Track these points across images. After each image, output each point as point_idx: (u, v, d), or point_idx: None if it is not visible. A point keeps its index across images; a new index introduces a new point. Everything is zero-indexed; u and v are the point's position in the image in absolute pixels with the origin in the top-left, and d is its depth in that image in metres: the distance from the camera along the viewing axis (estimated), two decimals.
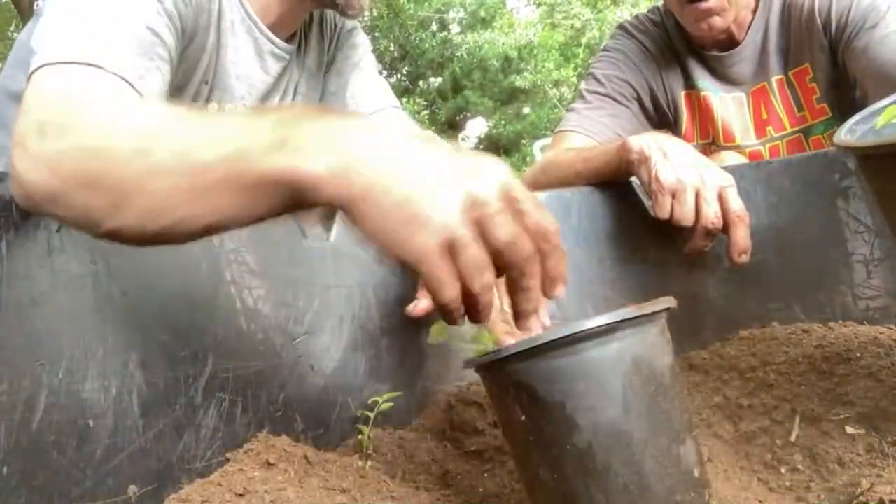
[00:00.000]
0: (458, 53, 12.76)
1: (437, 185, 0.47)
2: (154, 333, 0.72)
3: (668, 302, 0.61)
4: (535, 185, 1.31)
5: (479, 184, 0.48)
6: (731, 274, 1.06)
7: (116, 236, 0.56)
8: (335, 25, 1.15)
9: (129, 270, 0.71)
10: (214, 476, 0.71)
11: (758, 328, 1.02)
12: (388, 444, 0.84)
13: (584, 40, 12.03)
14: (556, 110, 12.31)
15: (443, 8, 12.98)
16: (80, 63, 0.66)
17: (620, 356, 0.57)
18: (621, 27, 1.58)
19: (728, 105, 1.46)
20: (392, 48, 13.10)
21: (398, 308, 0.94)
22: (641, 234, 1.08)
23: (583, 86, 1.53)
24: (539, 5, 13.35)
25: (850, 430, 0.78)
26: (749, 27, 1.41)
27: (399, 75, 13.63)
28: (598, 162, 1.16)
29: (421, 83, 13.68)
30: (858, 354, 0.88)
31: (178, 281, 0.75)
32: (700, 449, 0.62)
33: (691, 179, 0.95)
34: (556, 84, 12.60)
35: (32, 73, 0.66)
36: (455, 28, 13.48)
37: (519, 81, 12.39)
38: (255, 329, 0.80)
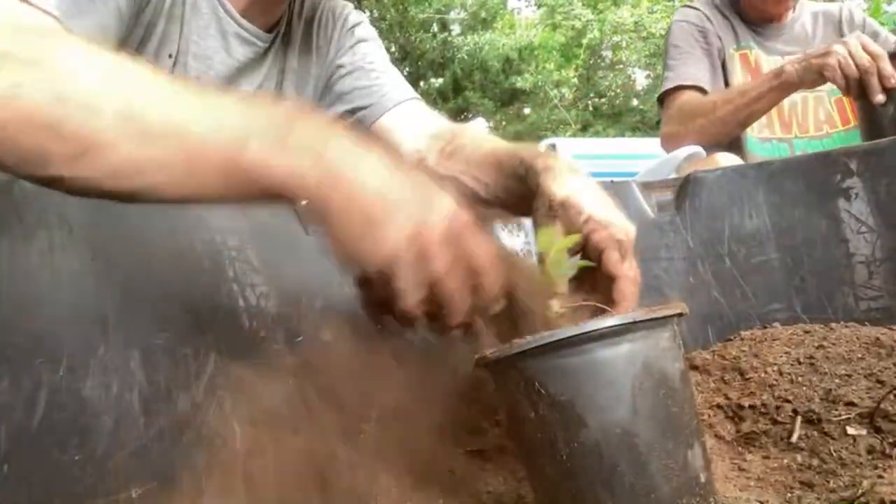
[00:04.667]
0: (459, 55, 12.76)
1: (393, 212, 0.54)
2: (155, 331, 0.72)
3: (680, 307, 0.61)
4: (678, 137, 1.73)
5: (427, 216, 0.56)
6: (732, 274, 1.06)
7: (58, 183, 0.54)
8: (332, 23, 1.12)
9: (130, 268, 0.71)
10: (215, 475, 0.71)
11: (759, 329, 1.02)
12: (390, 443, 0.84)
13: (584, 41, 12.03)
14: (557, 111, 12.31)
15: (443, 9, 12.98)
16: None
17: (632, 358, 0.57)
18: (682, 9, 2.01)
19: (771, 66, 1.78)
20: (393, 49, 13.09)
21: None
22: (642, 233, 1.07)
23: (666, 60, 1.89)
24: (540, 6, 13.35)
25: (851, 430, 0.78)
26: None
27: None
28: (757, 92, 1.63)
29: (422, 84, 13.68)
30: (860, 355, 0.88)
31: (180, 278, 0.75)
32: (708, 454, 0.62)
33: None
34: (557, 85, 12.62)
35: None
36: (456, 29, 13.48)
37: (519, 82, 12.39)
38: (258, 327, 0.80)
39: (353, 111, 1.10)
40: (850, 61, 1.47)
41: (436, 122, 1.05)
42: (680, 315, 0.61)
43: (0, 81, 0.52)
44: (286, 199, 0.54)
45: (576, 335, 0.56)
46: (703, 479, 0.59)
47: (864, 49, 1.47)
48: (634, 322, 0.57)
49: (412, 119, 1.05)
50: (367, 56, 1.12)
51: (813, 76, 1.55)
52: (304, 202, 0.54)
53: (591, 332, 0.56)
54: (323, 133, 0.55)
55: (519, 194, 0.83)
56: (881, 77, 1.46)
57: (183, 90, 0.55)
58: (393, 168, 0.57)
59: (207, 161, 0.53)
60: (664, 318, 0.59)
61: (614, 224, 0.74)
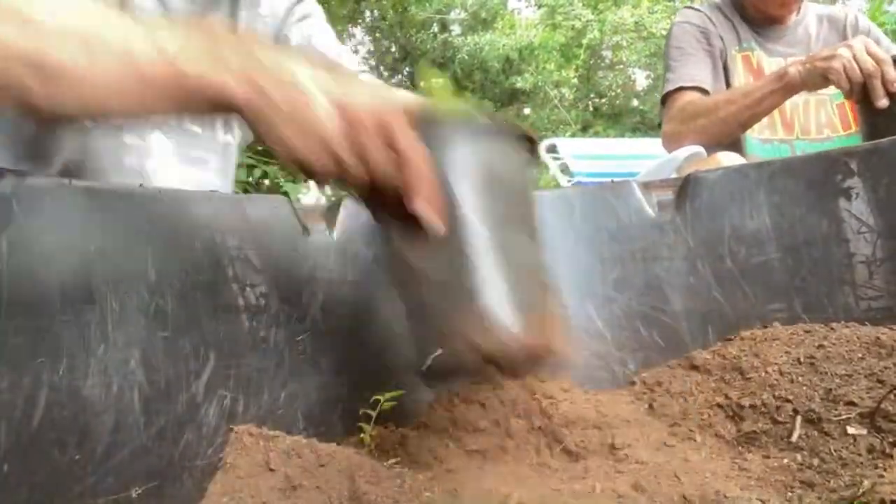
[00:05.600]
0: (459, 55, 12.75)
1: (315, 99, 0.58)
2: (156, 330, 0.72)
3: (528, 131, 0.69)
4: (679, 137, 1.74)
5: (350, 100, 0.59)
6: (732, 274, 1.06)
7: (34, 112, 0.59)
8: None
9: (130, 267, 0.71)
10: (216, 474, 0.71)
11: (759, 328, 1.01)
12: (390, 443, 0.84)
13: (584, 41, 12.02)
14: (557, 111, 12.31)
15: (444, 9, 12.97)
16: None
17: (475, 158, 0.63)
18: (683, 10, 2.01)
19: (773, 68, 1.80)
20: (393, 49, 13.10)
21: (401, 305, 0.93)
22: (642, 233, 1.08)
23: (667, 61, 1.90)
24: (540, 6, 13.34)
25: (851, 430, 0.78)
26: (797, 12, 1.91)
27: (400, 76, 13.62)
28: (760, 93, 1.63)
29: (422, 84, 13.66)
30: (860, 355, 0.88)
31: (180, 277, 0.75)
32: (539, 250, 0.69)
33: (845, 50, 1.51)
34: (557, 85, 12.60)
35: None
36: (456, 29, 13.47)
37: (520, 82, 12.37)
38: (258, 326, 0.80)
39: None
40: (855, 65, 1.47)
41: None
42: (529, 139, 0.68)
43: None
44: (229, 111, 0.59)
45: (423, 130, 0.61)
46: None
47: (869, 53, 1.48)
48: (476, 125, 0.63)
49: None
50: (312, 36, 1.15)
51: (816, 79, 1.55)
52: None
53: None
54: (250, 46, 0.60)
55: None
56: (885, 82, 1.46)
57: (124, 17, 0.61)
58: (318, 68, 0.61)
59: (150, 79, 0.58)
60: (504, 128, 0.65)
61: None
